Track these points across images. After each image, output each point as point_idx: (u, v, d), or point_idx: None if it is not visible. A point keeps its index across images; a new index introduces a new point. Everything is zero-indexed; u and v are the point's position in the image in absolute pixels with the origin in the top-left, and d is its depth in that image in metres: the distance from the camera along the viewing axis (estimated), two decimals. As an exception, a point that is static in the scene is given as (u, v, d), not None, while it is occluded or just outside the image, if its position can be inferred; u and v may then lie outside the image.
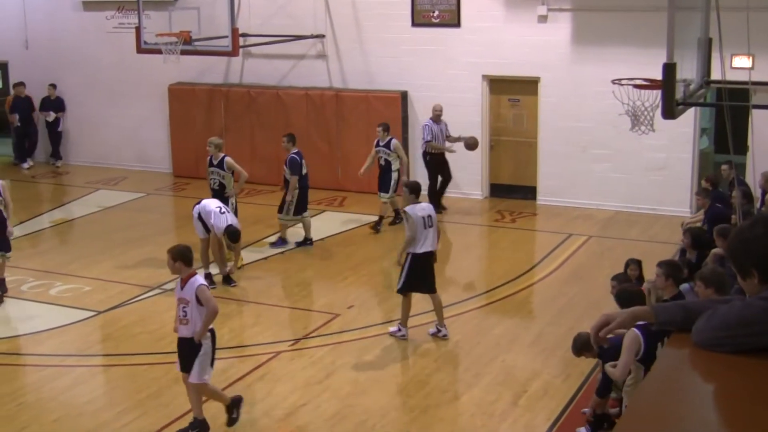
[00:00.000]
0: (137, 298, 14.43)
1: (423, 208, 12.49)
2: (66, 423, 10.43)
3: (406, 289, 12.48)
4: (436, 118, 18.69)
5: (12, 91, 24.39)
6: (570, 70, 18.70)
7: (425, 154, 18.95)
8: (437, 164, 18.83)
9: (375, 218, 18.01)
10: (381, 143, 17.74)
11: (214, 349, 9.99)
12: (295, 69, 21.29)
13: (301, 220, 16.70)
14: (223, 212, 14.52)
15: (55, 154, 24.17)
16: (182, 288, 9.87)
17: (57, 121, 23.85)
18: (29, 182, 22.85)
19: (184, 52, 18.37)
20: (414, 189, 12.61)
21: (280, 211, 16.65)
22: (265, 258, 16.28)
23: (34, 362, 12.24)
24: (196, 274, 10.02)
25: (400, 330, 12.62)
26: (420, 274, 12.38)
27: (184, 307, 9.82)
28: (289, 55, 21.09)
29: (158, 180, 22.30)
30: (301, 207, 16.53)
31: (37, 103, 23.86)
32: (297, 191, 16.38)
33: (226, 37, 18.06)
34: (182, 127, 22.34)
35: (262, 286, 14.83)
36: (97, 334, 13.25)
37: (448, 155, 18.91)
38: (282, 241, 16.76)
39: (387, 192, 17.60)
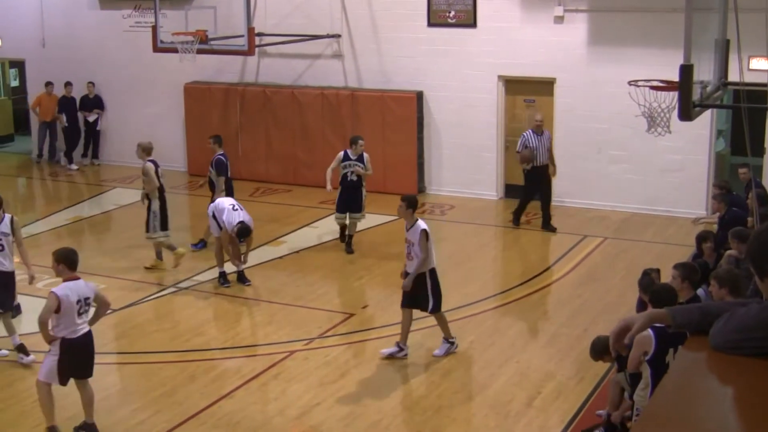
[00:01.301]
0: (152, 296, 14.45)
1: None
2: (81, 420, 10.44)
3: (440, 306, 12.06)
4: (537, 128, 17.41)
5: (28, 90, 24.52)
6: (586, 71, 18.66)
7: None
8: (536, 178, 17.54)
9: (392, 218, 17.99)
10: (353, 156, 16.23)
11: (64, 357, 9.86)
12: (311, 68, 21.30)
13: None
14: (236, 209, 14.54)
15: (95, 154, 24.05)
16: None
17: (96, 119, 23.80)
18: (46, 180, 22.94)
19: (200, 51, 18.39)
20: (413, 203, 12.02)
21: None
22: (280, 257, 16.29)
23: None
24: (79, 278, 9.88)
25: (453, 343, 12.18)
26: (439, 285, 12.08)
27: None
28: (305, 54, 21.11)
29: (174, 178, 22.27)
30: None
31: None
32: (224, 192, 16.14)
33: (242, 36, 18.07)
34: (198, 126, 22.36)
35: (276, 285, 14.83)
36: (112, 332, 13.26)
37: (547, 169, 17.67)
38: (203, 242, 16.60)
39: (360, 211, 16.39)
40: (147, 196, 15.48)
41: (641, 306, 10.27)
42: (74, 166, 23.71)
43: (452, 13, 19.72)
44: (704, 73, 10.16)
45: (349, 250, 16.31)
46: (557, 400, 10.85)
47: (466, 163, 20.00)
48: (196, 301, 14.31)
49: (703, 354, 3.66)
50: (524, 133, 17.54)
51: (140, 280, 15.06)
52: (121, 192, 21.36)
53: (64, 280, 9.83)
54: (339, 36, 20.77)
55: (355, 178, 16.19)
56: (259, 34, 19.56)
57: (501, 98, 19.72)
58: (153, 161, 15.46)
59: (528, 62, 19.13)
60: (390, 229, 17.76)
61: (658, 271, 11.26)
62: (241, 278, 14.81)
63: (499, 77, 19.56)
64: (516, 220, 17.89)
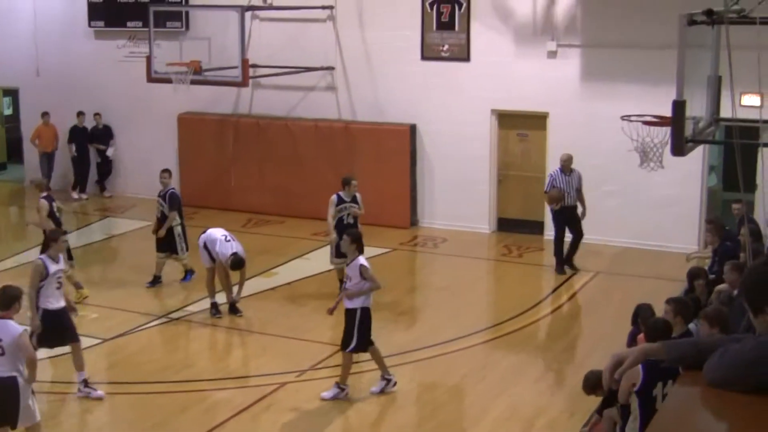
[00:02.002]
0: (143, 326, 14.41)
1: None
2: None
3: (363, 347, 11.84)
4: (565, 167, 16.98)
5: (22, 119, 24.53)
6: (579, 106, 18.74)
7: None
8: (566, 217, 17.05)
9: (384, 251, 18.03)
10: (347, 198, 15.44)
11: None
12: (305, 100, 21.35)
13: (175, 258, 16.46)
14: (229, 240, 14.54)
15: (101, 186, 23.81)
16: None
17: (106, 151, 23.62)
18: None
19: (194, 82, 18.44)
20: (358, 238, 11.98)
21: (174, 250, 16.19)
22: (272, 288, 16.26)
23: (39, 389, 12.18)
24: (10, 318, 9.57)
25: (343, 390, 11.76)
26: (369, 328, 11.89)
27: None
28: (299, 86, 21.16)
29: (166, 209, 22.30)
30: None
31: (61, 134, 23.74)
32: (180, 226, 16.19)
33: (236, 67, 18.13)
34: (191, 157, 22.39)
35: (268, 317, 14.80)
36: (103, 362, 13.22)
37: (577, 209, 17.20)
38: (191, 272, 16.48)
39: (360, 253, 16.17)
40: (44, 232, 15.17)
41: (632, 340, 10.27)
42: (84, 196, 23.55)
43: (446, 47, 19.81)
44: (697, 109, 10.21)
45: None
46: (549, 434, 10.83)
47: (459, 196, 20.01)
48: (187, 331, 14.27)
49: (697, 389, 3.67)
50: (551, 172, 17.23)
51: (131, 310, 15.01)
52: (112, 222, 21.34)
53: None
54: (333, 68, 20.84)
55: (351, 220, 15.34)
56: (254, 66, 19.62)
57: (494, 132, 19.77)
58: (48, 197, 15.53)
59: (521, 96, 19.20)
60: (382, 261, 17.75)
61: (650, 306, 11.26)
62: (233, 309, 14.78)
63: (493, 111, 19.62)
64: (560, 267, 17.08)
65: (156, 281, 16.21)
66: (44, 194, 15.54)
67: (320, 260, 17.24)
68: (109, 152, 23.50)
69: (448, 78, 19.81)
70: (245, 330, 14.34)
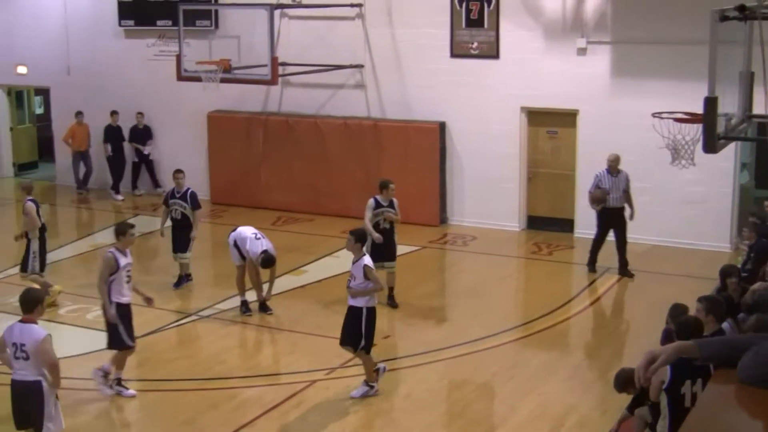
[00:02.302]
0: (173, 324, 14.46)
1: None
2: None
3: (370, 347, 11.74)
4: (611, 168, 16.60)
5: (53, 117, 24.67)
6: (609, 103, 18.64)
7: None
8: (609, 220, 16.68)
9: (414, 248, 18.02)
10: (384, 203, 15.00)
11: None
12: (334, 98, 21.37)
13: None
14: (259, 238, 14.56)
15: (155, 183, 23.72)
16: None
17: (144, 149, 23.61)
18: (72, 207, 23.01)
19: (223, 80, 18.49)
20: (362, 237, 11.97)
21: (184, 250, 16.05)
22: (302, 286, 16.28)
23: (70, 386, 12.23)
24: (34, 322, 9.43)
25: (372, 387, 11.79)
26: (374, 328, 11.79)
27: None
28: (328, 84, 21.18)
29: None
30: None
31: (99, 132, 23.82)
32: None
33: (266, 65, 18.16)
34: (220, 155, 22.46)
35: (298, 315, 14.82)
36: (133, 359, 13.26)
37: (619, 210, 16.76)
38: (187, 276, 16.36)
39: (394, 260, 15.19)
40: (26, 235, 15.31)
41: (666, 338, 10.20)
42: (120, 197, 23.56)
43: (475, 45, 19.76)
44: (728, 105, 10.11)
45: (393, 304, 15.08)
46: (579, 433, 10.78)
47: (488, 194, 19.97)
48: (217, 329, 14.29)
49: (731, 387, 3.64)
50: (597, 173, 16.75)
51: (161, 308, 15.06)
52: (142, 219, 21.39)
53: None
54: (362, 66, 20.84)
55: (387, 225, 14.96)
56: (283, 64, 19.65)
57: (523, 129, 19.70)
58: (33, 200, 15.38)
59: (550, 94, 19.13)
60: (412, 259, 17.76)
61: (685, 307, 11.14)
62: (263, 307, 14.80)
63: (522, 108, 19.56)
64: (591, 265, 16.91)
65: (185, 279, 16.24)
66: (30, 198, 15.36)
67: (349, 258, 17.17)
68: (146, 150, 23.49)
69: (478, 75, 19.77)
70: (275, 328, 14.37)
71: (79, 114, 23.60)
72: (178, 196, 16.05)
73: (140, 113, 23.35)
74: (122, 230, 12.08)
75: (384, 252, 14.74)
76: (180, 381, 12.31)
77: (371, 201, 15.01)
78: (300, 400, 11.61)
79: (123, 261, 11.78)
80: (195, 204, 16.04)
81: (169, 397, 11.90)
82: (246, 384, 12.22)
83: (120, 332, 11.77)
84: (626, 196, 16.74)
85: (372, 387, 11.72)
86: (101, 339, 13.60)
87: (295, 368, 12.67)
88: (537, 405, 11.50)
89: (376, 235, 14.68)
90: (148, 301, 12.46)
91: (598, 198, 16.53)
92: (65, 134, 23.76)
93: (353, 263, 11.79)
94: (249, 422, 11.08)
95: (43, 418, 9.32)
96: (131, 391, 11.83)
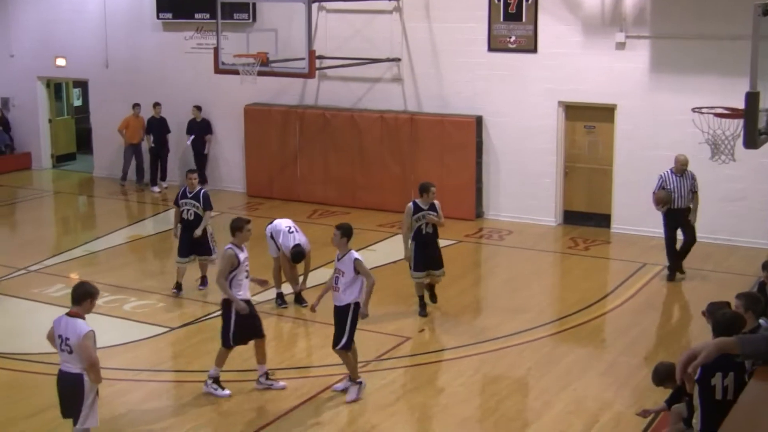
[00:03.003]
0: (210, 316, 14.51)
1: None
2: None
3: (350, 344, 11.51)
4: (678, 170, 15.92)
5: (91, 110, 24.84)
6: (648, 98, 18.52)
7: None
8: (677, 220, 16.12)
9: (450, 243, 17.98)
10: (424, 206, 14.26)
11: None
12: (371, 92, 21.37)
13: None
14: (292, 231, 14.57)
15: (203, 178, 23.20)
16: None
17: (202, 143, 23.32)
18: (110, 198, 23.16)
19: (261, 73, 18.53)
20: (348, 232, 11.59)
21: (203, 252, 15.46)
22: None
23: (107, 376, 12.28)
24: (81, 317, 9.44)
25: (360, 383, 11.59)
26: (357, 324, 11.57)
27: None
28: (365, 78, 21.19)
29: (232, 199, 22.47)
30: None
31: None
32: (210, 226, 15.70)
33: (303, 59, 18.18)
34: (257, 148, 22.52)
35: (331, 308, 14.78)
36: (169, 351, 13.36)
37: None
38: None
39: (441, 266, 14.55)
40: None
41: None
42: (157, 189, 23.62)
43: (513, 38, 19.68)
44: (770, 100, 10.03)
45: (433, 300, 14.75)
46: (615, 429, 10.71)
47: (524, 188, 19.92)
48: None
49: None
50: (662, 173, 16.12)
51: (197, 300, 15.15)
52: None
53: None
54: (399, 60, 20.82)
55: (430, 229, 14.29)
56: (320, 57, 19.67)
57: (561, 124, 19.62)
58: None
59: (588, 88, 19.04)
60: (448, 253, 17.70)
61: (728, 304, 11.01)
62: (299, 299, 14.83)
63: (560, 103, 19.47)
64: (671, 274, 16.22)
65: (180, 288, 15.52)
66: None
67: (385, 251, 17.24)
68: (206, 150, 23.38)
69: (515, 70, 19.70)
70: (310, 320, 14.37)
71: (136, 106, 23.58)
72: (190, 195, 15.42)
73: (197, 107, 23.19)
74: (238, 226, 11.95)
75: (429, 259, 14.30)
76: (216, 372, 12.35)
77: (410, 205, 14.32)
78: (334, 393, 11.61)
79: (242, 256, 11.72)
80: (207, 204, 15.43)
81: (205, 388, 11.94)
82: (281, 376, 12.22)
83: (229, 329, 11.64)
84: (694, 196, 16.05)
85: (361, 383, 11.55)
86: (138, 330, 13.73)
87: (329, 361, 12.66)
88: (572, 400, 11.45)
89: (407, 254, 14.25)
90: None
91: (662, 199, 16.02)
92: (120, 124, 23.74)
93: (339, 259, 11.46)
94: (284, 414, 11.11)
95: (81, 411, 9.39)
96: (282, 383, 11.81)
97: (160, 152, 23.82)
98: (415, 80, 20.89)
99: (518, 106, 19.74)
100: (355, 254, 11.46)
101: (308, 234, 15.08)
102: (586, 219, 19.72)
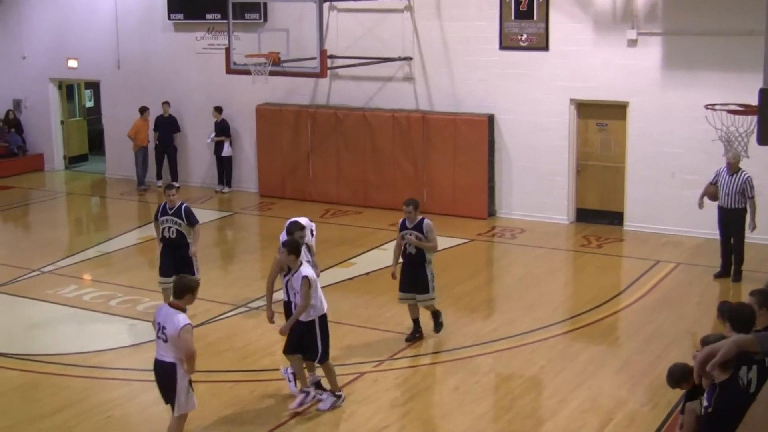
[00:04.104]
0: (223, 315, 14.54)
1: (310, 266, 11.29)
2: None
3: (327, 355, 11.24)
4: (731, 168, 15.35)
5: (103, 111, 24.91)
6: (660, 95, 18.47)
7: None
8: (723, 219, 15.81)
9: (462, 241, 18.00)
10: (409, 225, 13.13)
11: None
12: (382, 91, 21.36)
13: None
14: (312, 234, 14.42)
15: (221, 180, 23.51)
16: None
17: (221, 145, 23.29)
18: (122, 199, 23.22)
19: (272, 73, 18.55)
20: (295, 248, 11.05)
21: (186, 271, 13.52)
22: (350, 279, 16.31)
23: (121, 376, 12.39)
24: (182, 309, 9.70)
25: (339, 396, 11.33)
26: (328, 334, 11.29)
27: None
28: (377, 77, 21.18)
29: (245, 199, 22.52)
30: None
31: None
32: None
33: (315, 58, 18.19)
34: (269, 148, 22.54)
35: (346, 307, 14.82)
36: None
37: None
38: None
39: (426, 292, 13.15)
40: None
41: None
42: (160, 183, 23.69)
43: (524, 36, 19.65)
44: (784, 96, 9.98)
45: (436, 328, 13.51)
46: (629, 427, 10.68)
47: (537, 186, 19.90)
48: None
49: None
50: (719, 168, 15.70)
51: (212, 300, 15.15)
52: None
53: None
54: (410, 59, 20.81)
55: (413, 250, 13.11)
56: (331, 57, 19.68)
57: (573, 122, 19.59)
58: None
59: (600, 86, 19.00)
60: (460, 252, 17.75)
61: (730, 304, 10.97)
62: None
63: (571, 101, 19.44)
64: (720, 272, 16.03)
65: None
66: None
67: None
68: (225, 152, 23.29)
69: (527, 68, 19.68)
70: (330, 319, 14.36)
71: (144, 110, 23.66)
72: (171, 212, 13.99)
73: (217, 108, 23.11)
74: (291, 231, 12.03)
75: (409, 282, 13.21)
76: (230, 372, 12.37)
77: (400, 221, 13.44)
78: (348, 392, 11.60)
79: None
80: (192, 219, 14.00)
81: (219, 388, 11.94)
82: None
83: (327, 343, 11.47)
84: (750, 201, 15.57)
85: (339, 396, 11.31)
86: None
87: (343, 360, 12.68)
88: (586, 398, 11.43)
89: (391, 270, 13.44)
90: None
91: (709, 193, 15.82)
92: (131, 129, 23.76)
93: (292, 275, 11.06)
94: (298, 414, 11.11)
95: (175, 398, 9.72)
96: (327, 397, 11.43)
97: (167, 150, 23.91)
98: (426, 79, 20.88)
99: (530, 104, 19.71)
100: (304, 271, 10.92)
101: (321, 233, 15.08)
102: (598, 217, 19.68)
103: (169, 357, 9.64)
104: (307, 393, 11.30)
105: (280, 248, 11.37)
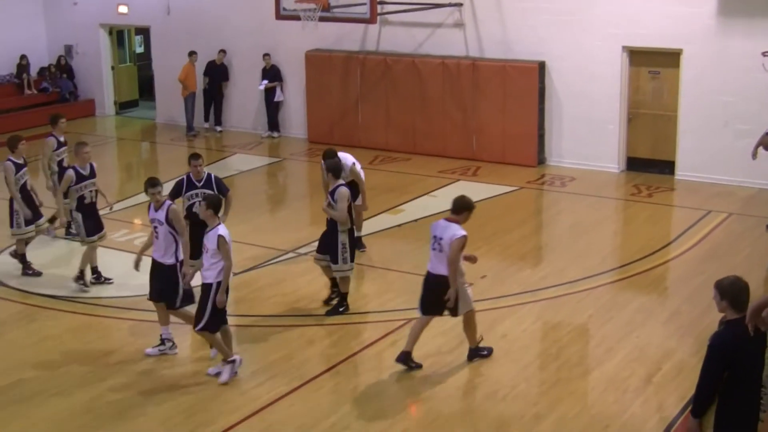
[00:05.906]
0: (271, 261, 14.61)
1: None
2: (198, 379, 10.66)
3: (215, 326, 10.66)
4: None
5: (153, 57, 24.99)
6: (714, 43, 18.17)
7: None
8: None
9: (511, 189, 17.94)
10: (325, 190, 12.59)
11: None
12: (432, 37, 21.20)
13: None
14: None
15: (272, 126, 23.56)
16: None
17: (273, 91, 23.31)
18: (172, 144, 23.32)
19: (322, 19, 18.47)
20: (214, 204, 10.61)
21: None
22: (398, 225, 16.31)
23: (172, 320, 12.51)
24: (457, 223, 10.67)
25: (233, 361, 10.72)
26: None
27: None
28: (426, 23, 21.02)
29: (294, 145, 22.55)
30: None
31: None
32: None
33: (364, 4, 18.08)
34: (318, 94, 22.50)
35: (394, 254, 14.85)
36: (231, 296, 13.36)
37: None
38: None
39: (335, 262, 12.30)
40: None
41: None
42: (219, 128, 24.10)
43: (577, -18, 19.39)
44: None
45: (332, 311, 12.57)
46: (677, 377, 10.63)
47: (587, 135, 19.71)
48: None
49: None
50: None
51: (260, 245, 15.22)
52: (241, 158, 21.64)
53: None
54: (461, 4, 20.61)
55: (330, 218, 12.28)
56: (381, 2, 19.53)
57: (625, 69, 19.33)
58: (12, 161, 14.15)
59: (653, 33, 18.72)
60: (509, 199, 17.70)
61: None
62: (358, 244, 14.79)
63: (624, 48, 19.17)
64: None
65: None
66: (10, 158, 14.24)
67: (446, 198, 17.06)
68: (277, 97, 23.37)
69: (579, 14, 19.42)
70: (371, 266, 14.42)
71: (192, 54, 23.69)
72: (199, 185, 12.65)
73: (267, 54, 23.14)
74: (328, 156, 12.76)
75: (322, 243, 12.58)
76: (278, 317, 12.46)
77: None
78: (395, 339, 11.65)
79: None
80: (222, 188, 12.71)
81: (267, 333, 12.04)
82: (342, 321, 12.30)
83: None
84: None
85: (234, 360, 10.73)
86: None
87: (390, 307, 12.72)
88: (633, 348, 11.39)
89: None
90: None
91: (764, 143, 15.56)
92: (180, 73, 23.81)
93: (207, 233, 10.58)
94: (345, 359, 11.19)
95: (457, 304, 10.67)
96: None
97: (215, 96, 24.03)
98: (477, 25, 20.68)
99: (581, 52, 19.48)
100: (221, 230, 10.43)
101: (369, 180, 15.05)
102: (649, 166, 19.49)
103: (443, 269, 10.51)
104: (234, 361, 10.73)
105: (201, 202, 11.54)
